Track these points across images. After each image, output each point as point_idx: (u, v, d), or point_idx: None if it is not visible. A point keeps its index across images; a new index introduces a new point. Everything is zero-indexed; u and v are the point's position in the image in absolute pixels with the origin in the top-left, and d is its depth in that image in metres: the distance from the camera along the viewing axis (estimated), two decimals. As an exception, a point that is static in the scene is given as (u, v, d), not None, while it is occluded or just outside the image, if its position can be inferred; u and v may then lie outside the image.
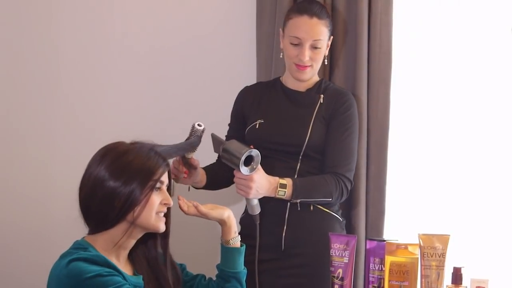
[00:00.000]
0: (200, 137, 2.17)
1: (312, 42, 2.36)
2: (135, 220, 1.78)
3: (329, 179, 2.34)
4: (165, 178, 1.84)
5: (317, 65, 2.42)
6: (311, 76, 2.44)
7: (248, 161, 2.16)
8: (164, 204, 1.84)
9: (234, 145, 2.16)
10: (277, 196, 2.28)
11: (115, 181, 1.75)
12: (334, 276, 1.93)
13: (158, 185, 1.81)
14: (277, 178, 2.28)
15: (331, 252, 2.02)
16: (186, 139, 2.18)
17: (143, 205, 1.78)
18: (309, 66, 2.40)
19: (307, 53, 2.36)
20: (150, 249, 1.91)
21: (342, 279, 1.90)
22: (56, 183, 3.01)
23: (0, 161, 3.11)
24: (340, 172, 2.36)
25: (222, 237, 2.04)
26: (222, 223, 2.03)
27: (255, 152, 2.15)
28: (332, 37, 2.46)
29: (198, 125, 2.17)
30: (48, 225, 3.04)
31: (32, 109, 3.10)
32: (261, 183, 2.22)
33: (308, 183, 2.33)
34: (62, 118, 3.08)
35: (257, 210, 2.25)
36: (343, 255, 1.92)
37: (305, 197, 2.32)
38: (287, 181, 2.29)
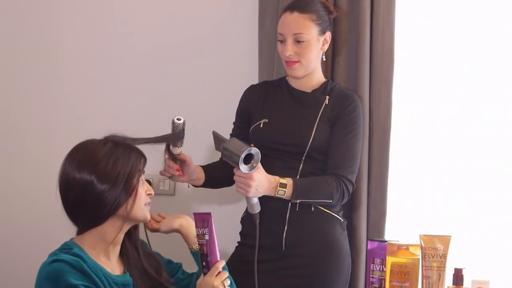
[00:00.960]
0: (183, 130, 2.17)
1: (294, 36, 2.34)
2: (129, 214, 1.82)
3: (330, 180, 2.33)
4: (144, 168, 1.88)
5: (307, 61, 2.38)
6: (304, 72, 2.41)
7: (248, 159, 2.15)
8: (148, 194, 1.89)
9: (234, 143, 2.17)
10: (277, 195, 2.28)
11: (103, 184, 1.77)
12: (202, 254, 1.92)
13: (141, 177, 1.86)
14: (277, 177, 2.28)
15: (196, 231, 1.97)
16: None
17: (133, 199, 1.82)
18: (297, 62, 2.37)
19: (290, 47, 2.35)
20: (131, 243, 1.94)
21: (206, 255, 1.91)
22: (54, 180, 3.00)
23: (0, 159, 3.11)
24: (342, 174, 2.34)
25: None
26: (179, 232, 2.07)
27: (254, 150, 2.14)
28: (328, 33, 2.42)
29: (177, 119, 2.17)
30: (48, 223, 3.03)
31: (32, 107, 3.09)
32: (260, 181, 2.22)
33: (309, 183, 2.33)
34: (62, 117, 3.08)
35: (256, 209, 2.25)
36: (204, 232, 1.92)
37: (305, 197, 2.31)
38: (288, 181, 2.28)
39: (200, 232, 1.92)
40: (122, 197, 1.79)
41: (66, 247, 1.80)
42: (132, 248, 1.93)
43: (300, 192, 2.29)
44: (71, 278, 1.70)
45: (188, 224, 2.07)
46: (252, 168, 2.17)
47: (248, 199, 2.24)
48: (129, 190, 1.80)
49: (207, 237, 1.91)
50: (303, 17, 2.34)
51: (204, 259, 1.91)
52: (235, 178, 2.22)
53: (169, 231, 2.08)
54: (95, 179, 1.77)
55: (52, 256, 1.75)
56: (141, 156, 1.86)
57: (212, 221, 1.92)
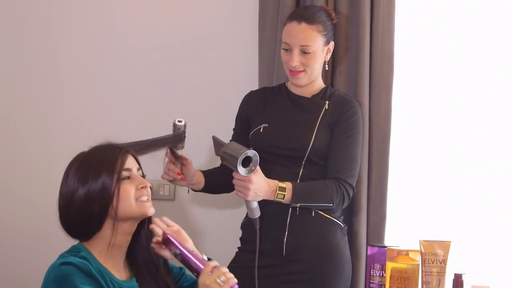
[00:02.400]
0: (184, 132, 2.18)
1: (301, 47, 2.35)
2: (116, 213, 1.79)
3: (330, 184, 2.33)
4: (130, 165, 1.84)
5: (312, 70, 2.40)
6: (307, 81, 2.43)
7: (247, 162, 2.15)
8: (142, 188, 1.84)
9: (233, 146, 2.17)
10: (276, 199, 2.28)
11: (84, 187, 1.77)
12: (185, 265, 1.87)
13: (125, 174, 1.82)
14: (276, 181, 2.28)
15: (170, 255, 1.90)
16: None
17: (117, 197, 1.79)
18: (302, 71, 2.38)
19: (296, 58, 2.35)
20: (138, 244, 1.92)
21: (188, 263, 1.84)
22: (55, 185, 3.00)
23: (-1, 162, 3.11)
24: (342, 178, 2.34)
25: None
26: None
27: (252, 153, 2.14)
28: (332, 42, 2.44)
29: (179, 121, 2.18)
30: (47, 227, 3.01)
31: (32, 110, 3.09)
32: (259, 185, 2.22)
33: (309, 187, 2.33)
34: (62, 119, 3.08)
35: (256, 213, 2.25)
36: (174, 250, 1.86)
37: (305, 201, 2.31)
38: (287, 185, 2.28)
39: (172, 252, 1.88)
40: (106, 197, 1.77)
41: (75, 250, 1.79)
42: (141, 249, 1.92)
43: (299, 196, 2.29)
44: (78, 282, 1.70)
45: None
46: (250, 171, 2.17)
47: (247, 203, 2.24)
48: (111, 188, 1.77)
49: (177, 251, 1.87)
50: (311, 29, 2.35)
51: (188, 267, 1.88)
52: (234, 181, 2.22)
53: None
54: (77, 184, 1.77)
55: (61, 259, 1.75)
56: (119, 152, 1.82)
57: (170, 236, 1.87)
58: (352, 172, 2.37)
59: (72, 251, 1.80)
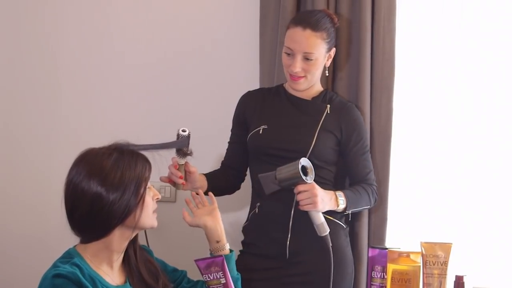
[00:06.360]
0: (188, 141, 2.18)
1: (304, 54, 2.34)
2: (137, 223, 1.81)
3: (367, 188, 2.42)
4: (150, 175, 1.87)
5: (313, 76, 2.40)
6: (307, 86, 2.43)
7: (304, 171, 2.17)
8: (156, 200, 1.88)
9: (283, 168, 2.17)
10: (338, 208, 2.30)
11: (112, 195, 1.75)
12: None
13: (148, 185, 1.84)
14: (327, 190, 2.28)
15: (204, 278, 1.93)
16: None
17: (141, 208, 1.80)
18: (303, 77, 2.39)
19: (299, 64, 2.35)
20: (132, 249, 1.93)
21: None
22: (54, 189, 3.00)
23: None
24: (370, 182, 2.46)
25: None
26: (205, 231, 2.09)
27: (304, 161, 2.17)
28: (333, 49, 2.44)
29: (183, 130, 2.18)
30: (45, 230, 3.02)
31: (31, 114, 3.08)
32: (321, 192, 2.22)
33: (355, 193, 2.38)
34: (61, 124, 3.06)
35: (326, 229, 2.20)
36: (219, 276, 1.90)
37: (355, 207, 2.38)
38: (340, 193, 2.32)
39: (212, 277, 1.90)
40: (130, 207, 1.77)
41: (68, 256, 1.79)
42: (133, 254, 1.92)
43: (352, 202, 2.35)
44: None
45: (213, 226, 2.07)
46: (313, 176, 2.19)
47: (315, 218, 2.20)
48: (137, 199, 1.78)
49: (223, 281, 1.88)
50: (315, 36, 2.34)
51: None
52: (299, 196, 2.19)
53: (195, 226, 2.09)
54: (105, 191, 1.74)
55: (53, 269, 1.74)
56: (147, 163, 1.84)
57: (225, 263, 1.91)
58: (373, 172, 2.50)
59: (65, 257, 1.79)
